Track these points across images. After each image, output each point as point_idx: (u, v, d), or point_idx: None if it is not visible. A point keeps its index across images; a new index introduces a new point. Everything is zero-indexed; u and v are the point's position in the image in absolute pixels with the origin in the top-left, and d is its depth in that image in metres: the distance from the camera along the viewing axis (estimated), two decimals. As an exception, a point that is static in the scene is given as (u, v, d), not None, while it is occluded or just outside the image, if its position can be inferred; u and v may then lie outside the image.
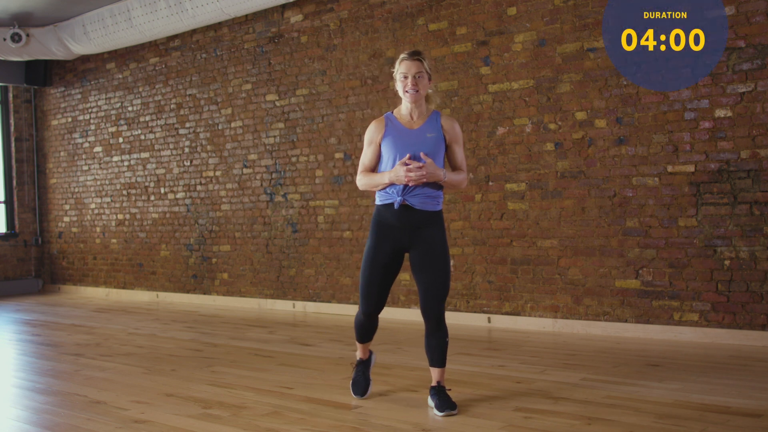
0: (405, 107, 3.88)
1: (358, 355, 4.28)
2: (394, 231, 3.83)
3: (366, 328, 4.11)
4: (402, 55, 3.85)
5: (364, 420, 3.70)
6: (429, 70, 3.83)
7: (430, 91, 3.93)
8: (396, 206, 3.77)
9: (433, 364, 3.91)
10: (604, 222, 5.79)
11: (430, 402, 3.90)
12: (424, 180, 3.70)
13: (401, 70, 3.81)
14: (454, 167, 3.92)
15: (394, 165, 3.77)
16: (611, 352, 5.13)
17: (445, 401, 3.80)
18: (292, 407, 3.97)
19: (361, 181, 3.93)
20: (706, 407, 3.69)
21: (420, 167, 3.69)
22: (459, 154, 3.90)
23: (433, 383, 3.92)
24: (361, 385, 4.17)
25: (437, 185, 3.81)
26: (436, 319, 3.84)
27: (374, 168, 3.92)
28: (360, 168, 3.96)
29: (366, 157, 3.93)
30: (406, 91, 3.80)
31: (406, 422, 3.65)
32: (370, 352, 4.29)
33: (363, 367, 4.25)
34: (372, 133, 3.90)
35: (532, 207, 6.15)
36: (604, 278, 5.80)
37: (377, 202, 3.89)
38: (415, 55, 3.80)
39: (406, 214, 3.78)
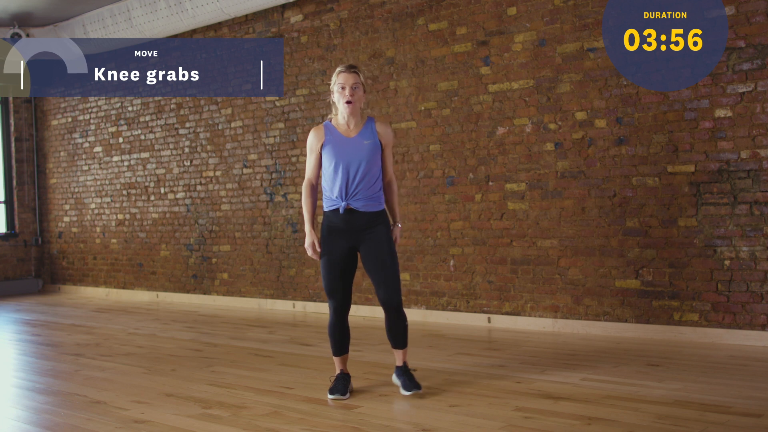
0: (342, 116, 4.12)
1: (338, 368, 4.27)
2: (342, 233, 4.09)
3: (339, 332, 4.21)
4: (339, 68, 4.09)
5: (364, 420, 3.70)
6: (364, 83, 4.11)
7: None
8: (341, 211, 4.05)
9: (396, 346, 4.21)
10: (604, 222, 5.79)
11: (396, 381, 4.24)
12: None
13: (339, 81, 4.05)
14: (384, 169, 4.17)
15: (335, 172, 4.05)
16: (611, 352, 5.13)
17: (410, 381, 4.13)
18: (292, 407, 3.97)
19: (302, 200, 4.23)
20: (706, 407, 3.69)
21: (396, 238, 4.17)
22: (389, 157, 4.19)
23: (399, 363, 4.23)
24: (339, 387, 4.15)
25: (377, 187, 4.10)
26: (396, 309, 4.14)
27: (316, 178, 4.19)
28: (305, 177, 4.22)
29: (308, 168, 4.20)
30: (345, 102, 4.03)
31: (406, 422, 3.65)
32: (349, 375, 4.28)
33: (343, 377, 4.22)
34: (312, 142, 4.15)
35: (532, 207, 6.14)
36: (604, 278, 5.80)
37: (325, 208, 4.16)
38: (352, 68, 4.07)
39: (352, 218, 4.07)
